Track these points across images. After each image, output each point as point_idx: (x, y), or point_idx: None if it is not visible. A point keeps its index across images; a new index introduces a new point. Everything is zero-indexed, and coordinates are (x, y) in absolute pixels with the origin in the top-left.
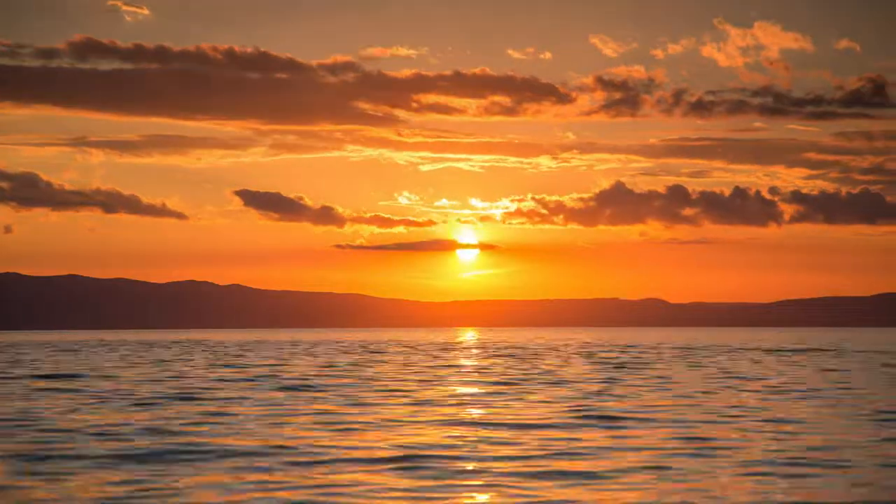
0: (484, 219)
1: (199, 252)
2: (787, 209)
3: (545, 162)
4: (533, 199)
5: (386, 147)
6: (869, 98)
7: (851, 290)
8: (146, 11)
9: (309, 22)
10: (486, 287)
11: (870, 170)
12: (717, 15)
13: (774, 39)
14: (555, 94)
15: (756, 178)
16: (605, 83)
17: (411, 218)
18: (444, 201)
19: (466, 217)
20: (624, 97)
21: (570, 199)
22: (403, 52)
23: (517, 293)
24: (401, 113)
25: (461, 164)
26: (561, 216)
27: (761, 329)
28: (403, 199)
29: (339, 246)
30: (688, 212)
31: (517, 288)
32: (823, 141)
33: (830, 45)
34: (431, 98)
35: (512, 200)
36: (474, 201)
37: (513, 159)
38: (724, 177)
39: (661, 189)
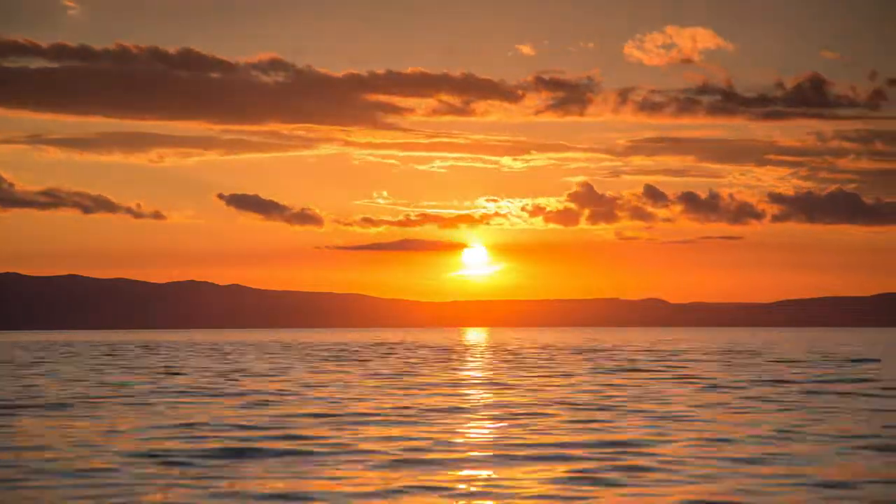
0: (463, 218)
1: (196, 252)
2: (771, 208)
3: (508, 162)
4: (508, 199)
5: (348, 146)
6: (810, 96)
7: (851, 290)
8: (77, 7)
9: (224, 20)
10: (484, 287)
11: (834, 170)
12: (624, 17)
13: (690, 39)
14: (498, 92)
15: (732, 177)
16: (545, 82)
17: (389, 218)
18: (421, 201)
19: (446, 217)
20: (569, 96)
21: (544, 200)
22: (330, 49)
23: (517, 293)
24: (351, 112)
25: (426, 165)
26: (540, 217)
27: (761, 329)
28: (380, 200)
29: (317, 247)
30: (668, 212)
31: (516, 288)
32: (783, 141)
33: (751, 44)
34: (377, 97)
35: (488, 200)
36: (451, 201)
37: (471, 157)
38: (699, 176)
39: (638, 189)
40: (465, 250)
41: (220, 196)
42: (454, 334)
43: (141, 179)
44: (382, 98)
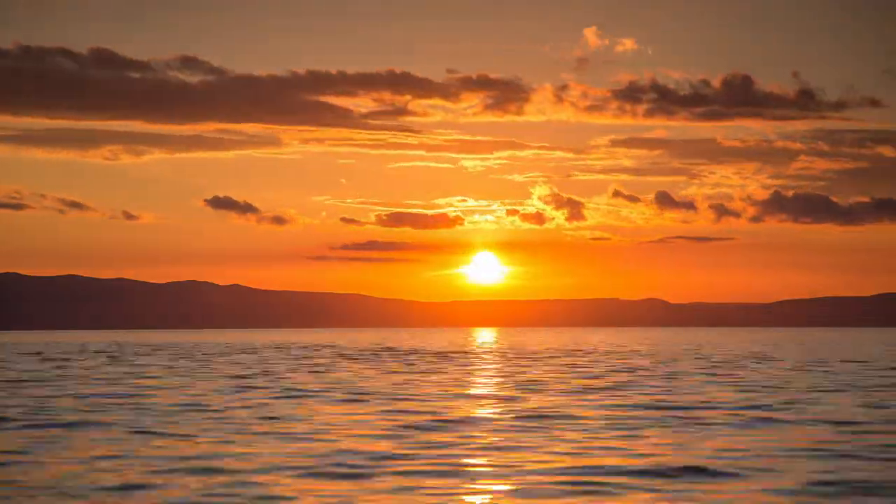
0: (438, 217)
1: (191, 253)
2: (747, 209)
3: (467, 162)
4: (478, 199)
5: (306, 144)
6: (743, 96)
7: (850, 290)
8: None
9: (125, 18)
10: (484, 288)
11: (794, 170)
12: (531, 17)
13: (599, 39)
14: (433, 91)
15: (703, 177)
16: (474, 81)
17: (362, 219)
18: (391, 201)
19: (421, 216)
20: (503, 95)
21: (517, 200)
22: (238, 48)
23: (517, 294)
24: (291, 111)
25: (383, 165)
26: (516, 217)
27: (760, 329)
28: (349, 199)
29: (299, 247)
30: (645, 211)
31: (518, 289)
32: (727, 142)
33: (663, 43)
34: (311, 97)
35: (459, 201)
36: (419, 200)
37: (428, 155)
38: (665, 175)
39: (606, 188)
40: (455, 250)
41: (195, 196)
42: (463, 336)
43: (102, 178)
44: (318, 98)
